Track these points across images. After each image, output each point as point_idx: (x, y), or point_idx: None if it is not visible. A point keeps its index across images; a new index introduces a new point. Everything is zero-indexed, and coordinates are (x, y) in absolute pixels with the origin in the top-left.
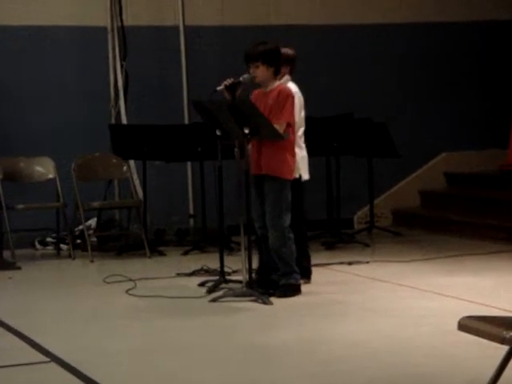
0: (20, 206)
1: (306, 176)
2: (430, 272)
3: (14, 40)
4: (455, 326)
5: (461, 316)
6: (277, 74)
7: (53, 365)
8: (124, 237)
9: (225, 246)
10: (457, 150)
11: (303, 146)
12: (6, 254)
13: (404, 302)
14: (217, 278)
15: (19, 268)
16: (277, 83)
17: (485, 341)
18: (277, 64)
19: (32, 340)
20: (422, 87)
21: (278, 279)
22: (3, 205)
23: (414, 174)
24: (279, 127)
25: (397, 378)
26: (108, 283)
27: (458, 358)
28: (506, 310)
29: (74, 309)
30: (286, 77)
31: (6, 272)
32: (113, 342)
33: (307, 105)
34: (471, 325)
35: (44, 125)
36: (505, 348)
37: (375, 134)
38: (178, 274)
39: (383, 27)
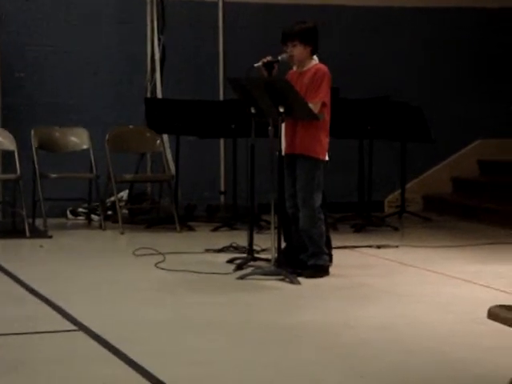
0: (53, 175)
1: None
2: (459, 259)
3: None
4: (483, 313)
5: (489, 304)
6: (314, 54)
7: (80, 333)
8: (155, 210)
9: (254, 224)
10: (492, 137)
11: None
12: (39, 222)
13: (431, 287)
14: (245, 255)
15: (50, 237)
16: (313, 62)
17: None
18: (314, 43)
19: (60, 308)
20: (458, 73)
21: (306, 259)
22: (37, 173)
23: (447, 160)
24: (314, 106)
25: (420, 364)
26: (137, 256)
27: (485, 347)
28: None
29: (102, 279)
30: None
31: (38, 240)
32: (139, 313)
33: (343, 86)
34: (502, 314)
35: (80, 95)
36: None
37: (410, 118)
38: (207, 250)
39: (424, 11)
